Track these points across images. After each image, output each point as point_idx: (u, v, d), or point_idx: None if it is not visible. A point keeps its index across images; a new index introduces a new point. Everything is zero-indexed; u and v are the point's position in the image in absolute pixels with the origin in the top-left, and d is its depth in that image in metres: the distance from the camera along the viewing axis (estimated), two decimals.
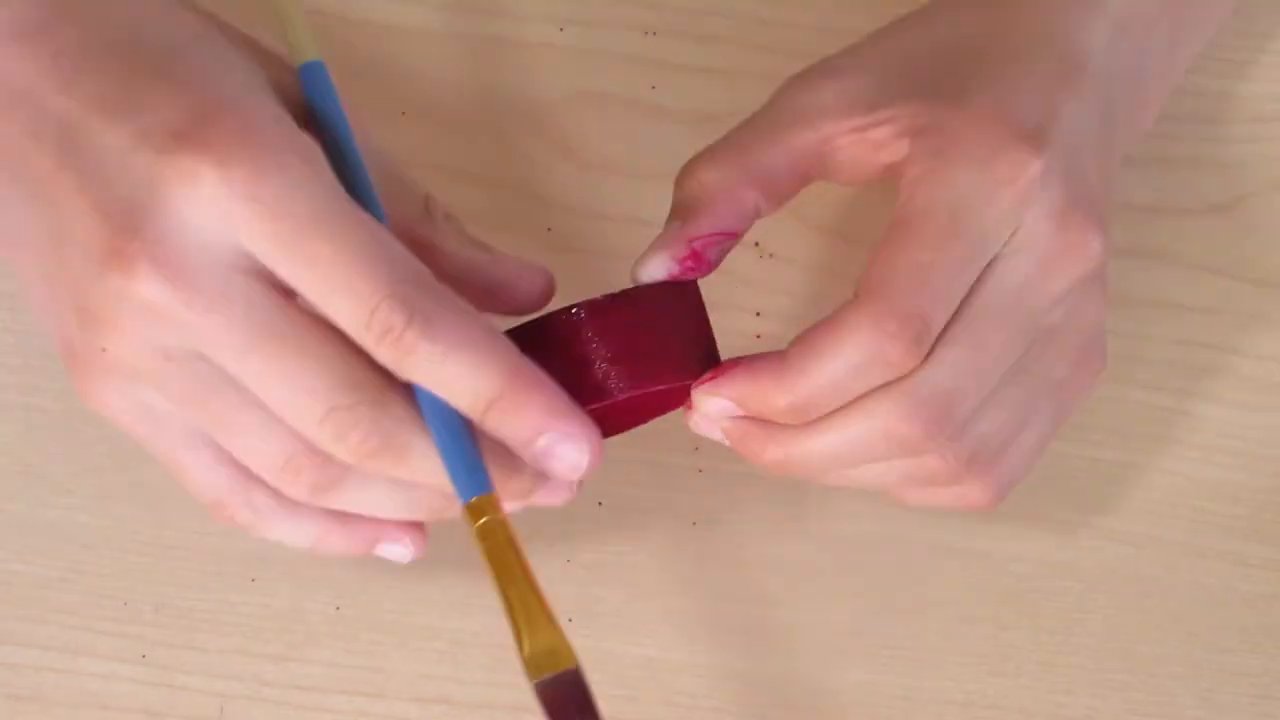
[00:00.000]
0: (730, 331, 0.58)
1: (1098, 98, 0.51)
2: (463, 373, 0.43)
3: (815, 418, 0.47)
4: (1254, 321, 0.60)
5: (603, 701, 0.55)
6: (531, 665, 0.44)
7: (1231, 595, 0.57)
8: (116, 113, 0.43)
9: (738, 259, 0.59)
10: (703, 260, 0.49)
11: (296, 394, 0.43)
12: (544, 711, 0.43)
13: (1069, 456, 0.58)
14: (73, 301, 0.44)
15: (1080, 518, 0.58)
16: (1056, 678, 0.56)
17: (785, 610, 0.56)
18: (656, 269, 0.49)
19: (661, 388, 0.47)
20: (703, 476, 0.57)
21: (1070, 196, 0.48)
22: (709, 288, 0.59)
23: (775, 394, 0.47)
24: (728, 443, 0.49)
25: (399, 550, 0.49)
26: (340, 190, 0.43)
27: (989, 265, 0.47)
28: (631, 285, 0.48)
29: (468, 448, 0.44)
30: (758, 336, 0.58)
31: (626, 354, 0.46)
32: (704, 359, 0.48)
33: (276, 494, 0.46)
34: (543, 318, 0.47)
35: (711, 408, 0.48)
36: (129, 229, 0.42)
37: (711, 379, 0.48)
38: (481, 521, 0.45)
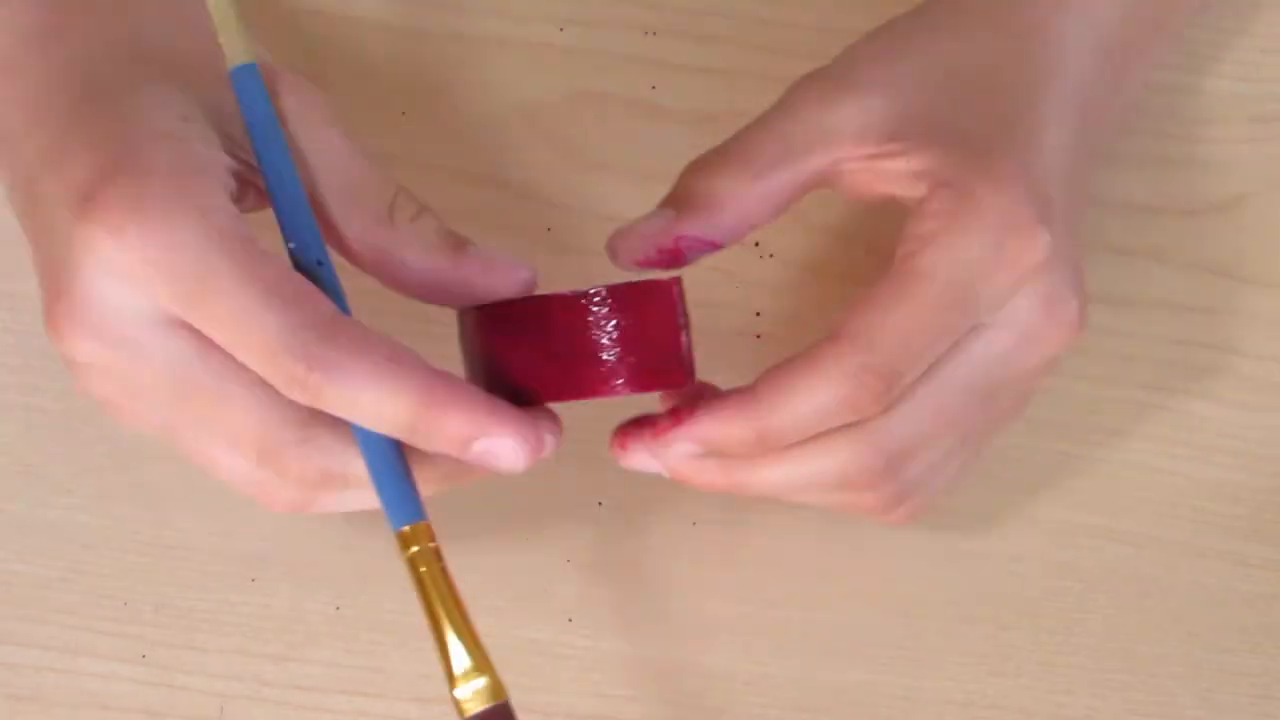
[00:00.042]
0: (730, 331, 0.58)
1: (1085, 140, 0.51)
2: (375, 405, 0.43)
3: (771, 451, 0.48)
4: (1254, 321, 0.60)
5: (603, 701, 0.55)
6: (462, 700, 0.45)
7: (1231, 595, 0.57)
8: (53, 165, 0.45)
9: (738, 259, 0.59)
10: (679, 259, 0.49)
11: (229, 440, 0.44)
12: None
13: (1069, 456, 0.58)
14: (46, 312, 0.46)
15: (1080, 518, 0.58)
16: (1056, 678, 0.56)
17: (785, 610, 0.56)
18: (633, 249, 0.49)
19: (623, 394, 0.47)
20: None
21: (1064, 279, 0.48)
22: (711, 288, 0.59)
23: (740, 428, 0.47)
24: (665, 475, 0.49)
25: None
26: (238, 235, 0.43)
27: (970, 333, 0.48)
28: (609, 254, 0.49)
29: (398, 475, 0.45)
30: (758, 336, 0.58)
31: (588, 353, 0.46)
32: (672, 369, 0.47)
33: None
34: (518, 300, 0.47)
35: (674, 453, 0.48)
36: (57, 289, 0.44)
37: (671, 426, 0.48)
38: (412, 551, 0.45)
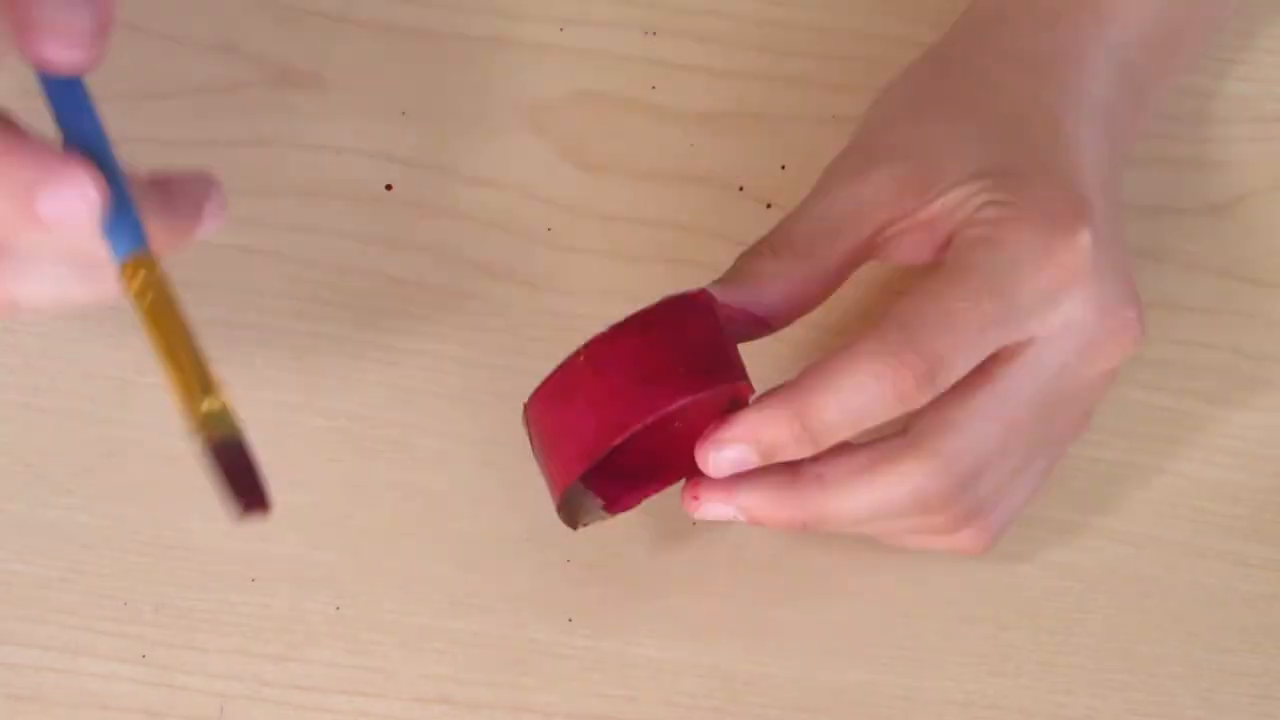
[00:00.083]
0: None
1: (1114, 158, 0.52)
2: None
3: (825, 448, 0.48)
4: (1254, 321, 0.60)
5: (603, 701, 0.55)
6: (200, 426, 0.41)
7: (1231, 595, 0.57)
8: None
9: None
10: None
11: None
12: (217, 473, 0.41)
13: (1069, 456, 0.57)
14: None
15: (1080, 518, 0.57)
16: (1056, 678, 0.56)
17: (785, 610, 0.56)
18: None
19: (685, 401, 0.46)
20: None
21: (1117, 289, 0.49)
22: None
23: (787, 421, 0.47)
24: (742, 519, 0.50)
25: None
26: None
27: (1029, 344, 0.48)
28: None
29: (123, 201, 0.41)
30: None
31: (643, 377, 0.46)
32: (723, 369, 0.47)
33: None
34: (559, 367, 0.47)
35: (725, 459, 0.48)
36: None
37: (717, 428, 0.48)
38: (141, 277, 0.41)
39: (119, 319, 0.58)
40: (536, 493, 0.55)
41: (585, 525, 0.51)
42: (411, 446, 0.57)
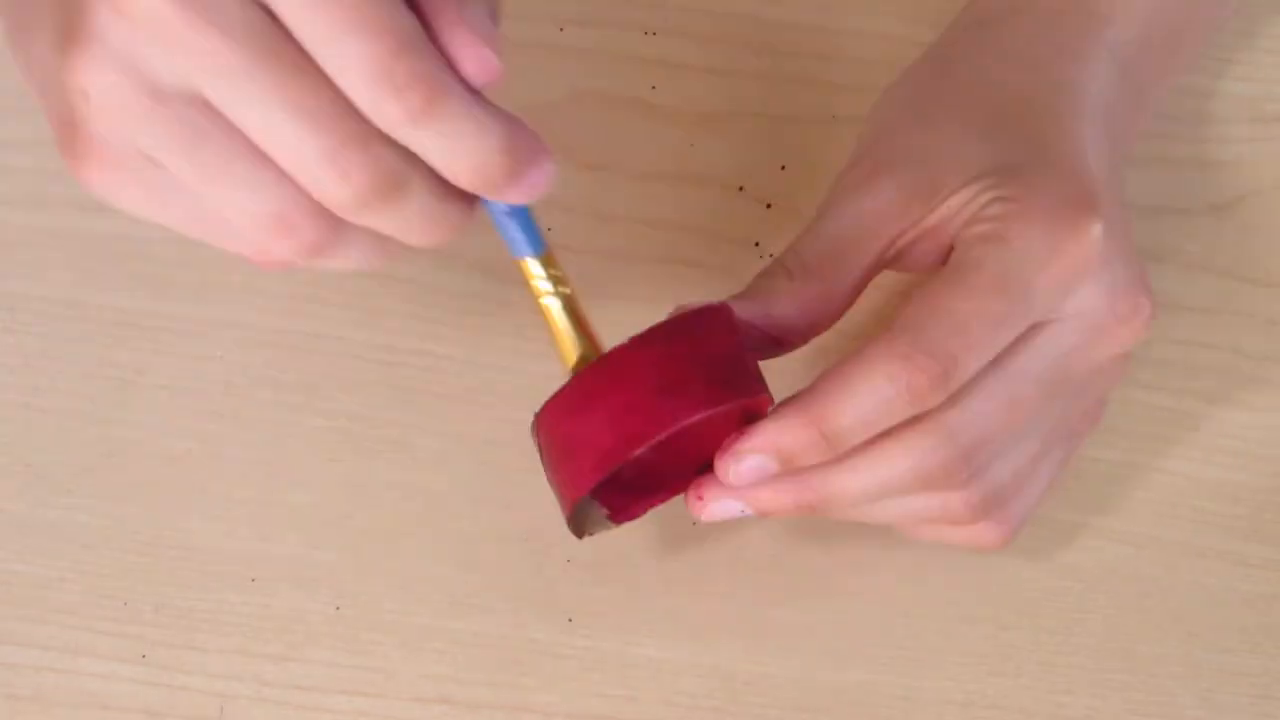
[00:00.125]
0: None
1: (1115, 155, 0.52)
2: (471, 140, 0.40)
3: (842, 453, 0.47)
4: (1254, 321, 0.60)
5: (603, 701, 0.55)
6: None
7: (1231, 595, 0.57)
8: None
9: (738, 259, 0.59)
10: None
11: (301, 124, 0.39)
12: None
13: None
14: (63, 36, 0.41)
15: (1080, 518, 0.58)
16: (1056, 678, 0.56)
17: (785, 610, 0.56)
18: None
19: (707, 413, 0.46)
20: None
21: (1128, 276, 0.49)
22: (711, 288, 0.59)
23: (804, 428, 0.47)
24: (749, 514, 0.49)
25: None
26: None
27: (1037, 327, 0.48)
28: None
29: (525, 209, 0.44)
30: None
31: (662, 388, 0.45)
32: (744, 381, 0.47)
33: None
34: (574, 378, 0.46)
35: (745, 469, 0.48)
36: None
37: (735, 440, 0.47)
38: (551, 273, 0.46)
39: (119, 319, 0.58)
40: (536, 493, 0.55)
41: (592, 535, 0.51)
42: (411, 446, 0.57)
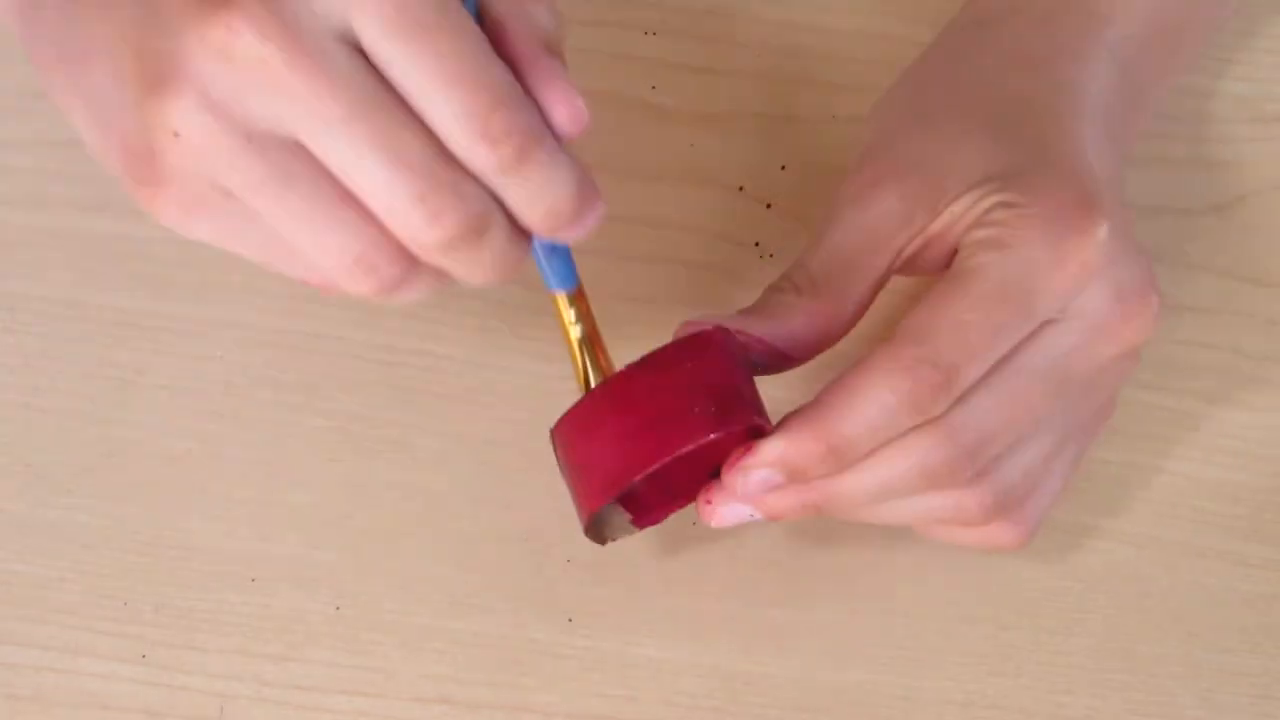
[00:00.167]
0: None
1: (1115, 154, 0.52)
2: (551, 187, 0.42)
3: (851, 464, 0.48)
4: (1254, 321, 0.60)
5: (603, 701, 0.55)
6: None
7: (1231, 595, 0.57)
8: None
9: (737, 259, 0.59)
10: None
11: (397, 170, 0.41)
12: None
13: None
14: (150, 75, 0.41)
15: (1081, 518, 0.58)
16: (1056, 678, 0.56)
17: (785, 610, 0.56)
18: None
19: (702, 442, 0.46)
20: None
21: (1134, 274, 0.49)
22: (711, 287, 0.59)
23: (811, 441, 0.47)
24: (758, 517, 0.49)
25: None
26: None
27: (1042, 326, 0.48)
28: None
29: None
30: None
31: (663, 416, 0.46)
32: (739, 407, 0.47)
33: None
34: (582, 399, 0.47)
35: (753, 482, 0.48)
36: None
37: (741, 455, 0.48)
38: (574, 309, 0.47)
39: (119, 319, 0.58)
40: (536, 493, 0.55)
41: (614, 540, 0.51)
42: (411, 446, 0.57)
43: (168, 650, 0.55)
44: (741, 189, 0.60)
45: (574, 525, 0.55)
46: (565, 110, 0.42)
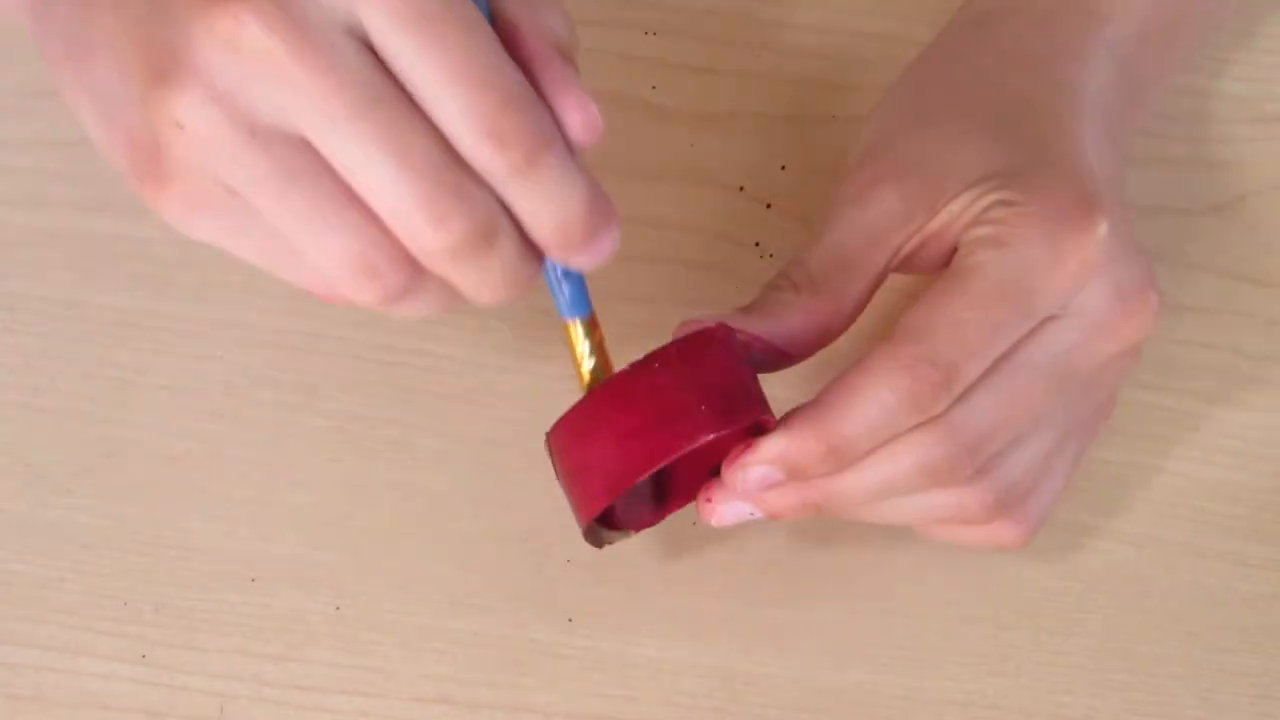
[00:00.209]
0: None
1: (1114, 152, 0.52)
2: (562, 197, 0.42)
3: (851, 463, 0.48)
4: (1254, 321, 0.60)
5: (603, 701, 0.55)
6: None
7: (1231, 595, 0.57)
8: None
9: (738, 259, 0.59)
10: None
11: (402, 170, 0.40)
12: None
13: None
14: (155, 67, 0.41)
15: (1080, 518, 0.58)
16: (1056, 678, 0.56)
17: (785, 610, 0.56)
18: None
19: (705, 441, 0.46)
20: None
21: (1133, 273, 0.49)
22: (711, 287, 0.59)
23: (811, 439, 0.47)
24: (758, 516, 0.49)
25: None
26: None
27: (1042, 323, 0.48)
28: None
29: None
30: None
31: (665, 416, 0.46)
32: (743, 404, 0.47)
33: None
34: (581, 401, 0.47)
35: (752, 479, 0.48)
36: None
37: (741, 452, 0.48)
38: (589, 338, 0.47)
39: (119, 319, 0.58)
40: (536, 493, 0.55)
41: (611, 544, 0.51)
42: (411, 446, 0.57)
43: (168, 650, 0.55)
44: (741, 189, 0.60)
45: (574, 525, 0.55)
46: (579, 117, 0.42)
